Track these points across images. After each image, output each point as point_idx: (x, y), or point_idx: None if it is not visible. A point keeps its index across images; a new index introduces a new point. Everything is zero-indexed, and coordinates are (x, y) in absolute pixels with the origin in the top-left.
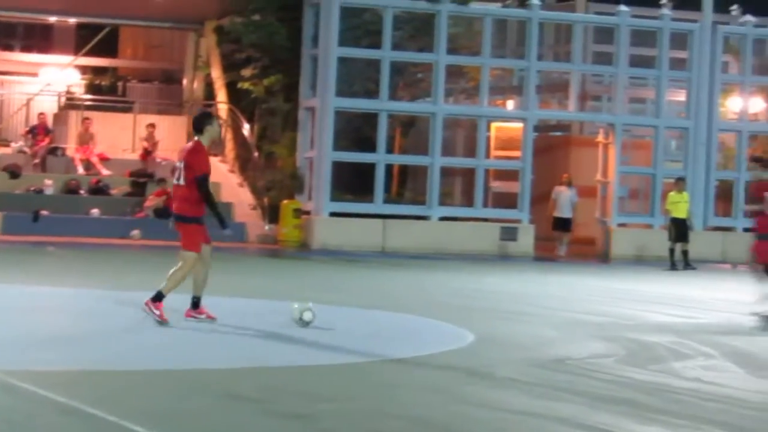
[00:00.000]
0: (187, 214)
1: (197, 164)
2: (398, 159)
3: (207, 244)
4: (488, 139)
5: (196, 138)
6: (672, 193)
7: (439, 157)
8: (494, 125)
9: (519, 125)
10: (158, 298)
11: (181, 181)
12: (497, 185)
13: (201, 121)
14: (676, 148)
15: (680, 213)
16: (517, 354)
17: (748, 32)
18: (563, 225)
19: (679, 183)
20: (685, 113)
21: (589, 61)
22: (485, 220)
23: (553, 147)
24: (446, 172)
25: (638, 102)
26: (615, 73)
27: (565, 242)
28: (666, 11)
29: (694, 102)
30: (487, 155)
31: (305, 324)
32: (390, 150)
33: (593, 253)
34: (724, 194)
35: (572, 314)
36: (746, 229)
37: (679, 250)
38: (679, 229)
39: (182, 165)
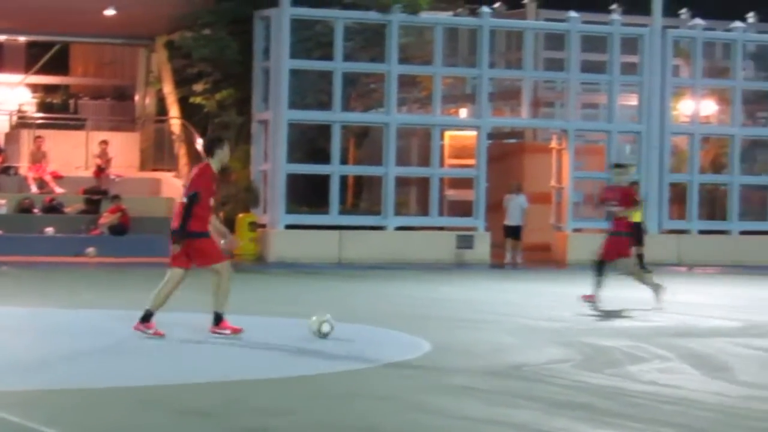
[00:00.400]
0: (196, 229)
1: (195, 183)
2: (353, 170)
3: (185, 269)
4: (442, 147)
5: (206, 161)
6: None
7: (394, 166)
8: (448, 134)
9: (472, 133)
10: (218, 319)
11: (185, 200)
12: (452, 194)
13: (212, 145)
14: (629, 152)
15: (634, 217)
16: (474, 361)
17: (698, 36)
18: (512, 233)
19: (633, 187)
20: (637, 117)
21: (540, 68)
22: (441, 228)
23: (507, 154)
24: (401, 182)
25: (591, 107)
26: (567, 79)
27: (519, 250)
28: (616, 16)
29: (646, 106)
30: (442, 164)
31: (324, 335)
32: (344, 161)
33: (549, 259)
34: (678, 197)
35: (529, 320)
36: (609, 230)
37: (634, 253)
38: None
39: (188, 184)
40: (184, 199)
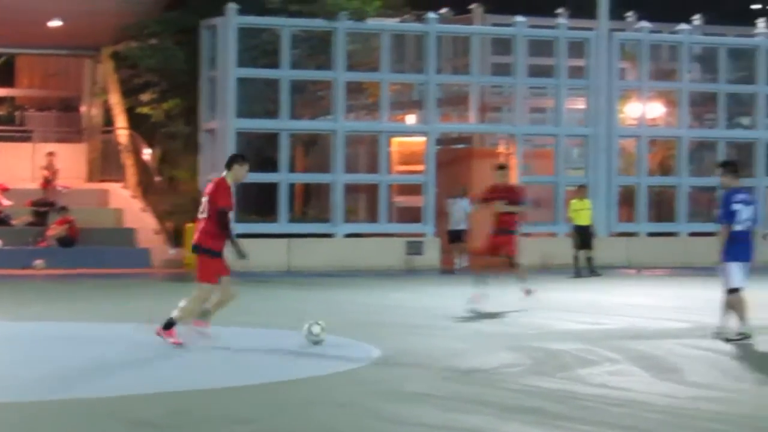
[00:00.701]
0: (204, 245)
1: (219, 198)
2: (301, 177)
3: (226, 275)
4: (390, 154)
5: (223, 174)
6: (574, 201)
7: (342, 174)
8: (396, 140)
9: (421, 139)
10: (169, 325)
11: (204, 214)
12: (401, 200)
13: (232, 160)
14: (577, 155)
15: (583, 220)
16: (426, 367)
17: (644, 38)
18: (456, 237)
19: (581, 190)
20: (584, 121)
21: (488, 73)
22: (390, 235)
23: (455, 160)
24: (350, 189)
25: (538, 111)
26: (514, 83)
27: (465, 254)
28: (562, 20)
29: (593, 109)
30: (390, 170)
31: (316, 339)
32: (293, 169)
33: (498, 263)
34: (627, 200)
35: (479, 325)
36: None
37: (583, 257)
38: (583, 236)
39: (206, 199)
40: (203, 214)
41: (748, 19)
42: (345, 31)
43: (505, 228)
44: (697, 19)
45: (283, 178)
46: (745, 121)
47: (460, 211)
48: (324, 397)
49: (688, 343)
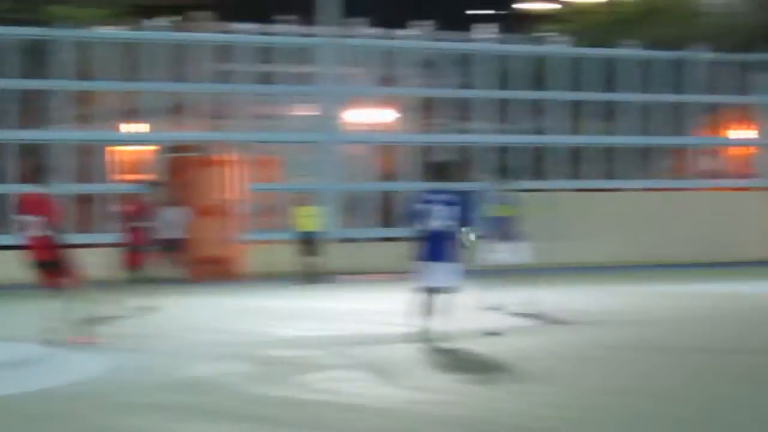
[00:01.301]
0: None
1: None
2: (20, 189)
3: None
4: (114, 163)
5: (41, 189)
6: (299, 207)
7: (65, 184)
8: (122, 149)
9: (147, 148)
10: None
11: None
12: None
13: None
14: (305, 162)
15: (308, 226)
16: (151, 378)
17: (373, 44)
18: (168, 246)
19: (306, 196)
20: (312, 127)
21: (214, 80)
22: (113, 245)
23: (183, 168)
24: (75, 199)
25: (267, 118)
26: (241, 90)
27: (172, 263)
28: (290, 27)
29: (321, 115)
30: (114, 180)
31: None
32: (12, 180)
33: (224, 272)
34: (354, 205)
35: (204, 334)
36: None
37: (309, 263)
38: (308, 243)
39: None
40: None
41: (474, 23)
42: (68, 40)
43: (134, 245)
44: (424, 24)
45: (5, 189)
46: (469, 125)
47: (172, 218)
48: (55, 410)
49: (412, 347)
